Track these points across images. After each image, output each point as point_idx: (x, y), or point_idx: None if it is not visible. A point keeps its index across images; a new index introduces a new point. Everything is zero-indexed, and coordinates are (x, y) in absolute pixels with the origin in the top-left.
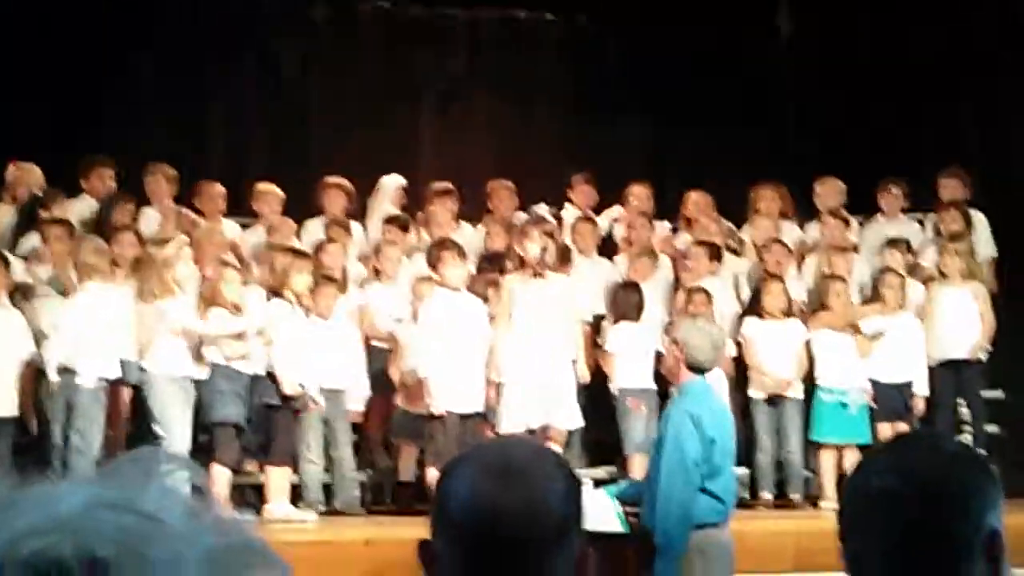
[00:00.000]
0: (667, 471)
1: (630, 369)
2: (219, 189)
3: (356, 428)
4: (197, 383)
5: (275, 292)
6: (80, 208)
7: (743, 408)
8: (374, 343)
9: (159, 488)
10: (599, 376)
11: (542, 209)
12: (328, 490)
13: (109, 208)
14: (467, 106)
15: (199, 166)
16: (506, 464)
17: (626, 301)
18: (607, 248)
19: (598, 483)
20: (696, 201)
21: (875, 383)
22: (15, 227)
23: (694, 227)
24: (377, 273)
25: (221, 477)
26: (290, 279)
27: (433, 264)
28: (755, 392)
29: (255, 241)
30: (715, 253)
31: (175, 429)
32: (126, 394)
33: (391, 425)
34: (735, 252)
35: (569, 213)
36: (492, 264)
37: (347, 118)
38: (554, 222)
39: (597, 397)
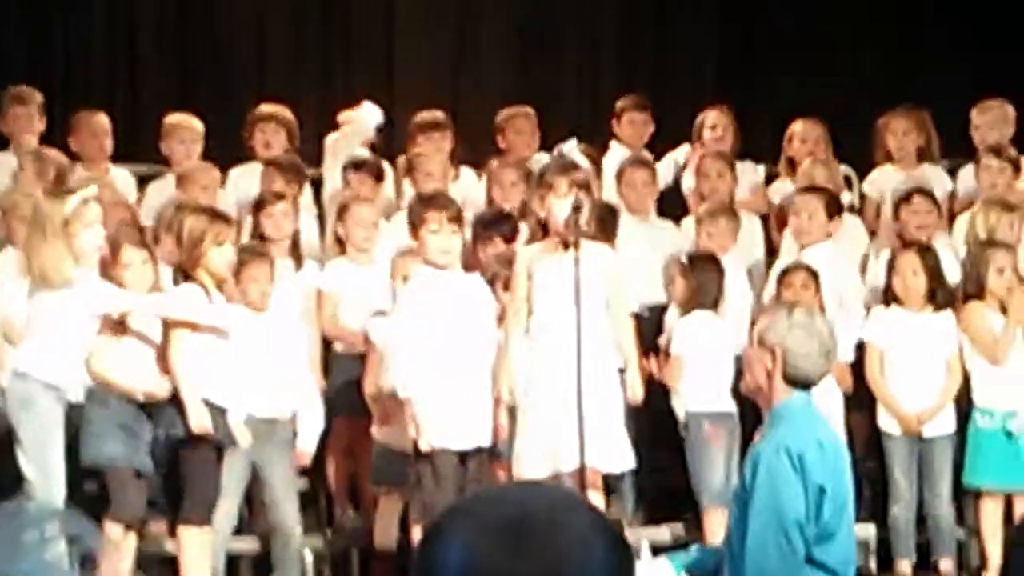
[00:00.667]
0: (757, 535)
1: (705, 382)
2: (103, 122)
3: (308, 473)
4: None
5: (184, 273)
6: None
7: (871, 441)
8: (337, 348)
9: (34, 559)
10: (657, 393)
11: (572, 148)
12: (263, 566)
13: None
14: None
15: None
16: (520, 522)
17: (699, 282)
18: (670, 205)
19: (657, 550)
20: (803, 134)
21: None
22: None
23: (798, 172)
24: (341, 245)
25: (120, 542)
26: (204, 254)
27: (416, 228)
28: (887, 422)
29: (158, 199)
30: (834, 206)
31: (54, 469)
32: None
33: (364, 467)
34: (858, 212)
35: (614, 154)
36: (497, 229)
37: (286, 21)
38: (590, 168)
39: (656, 424)
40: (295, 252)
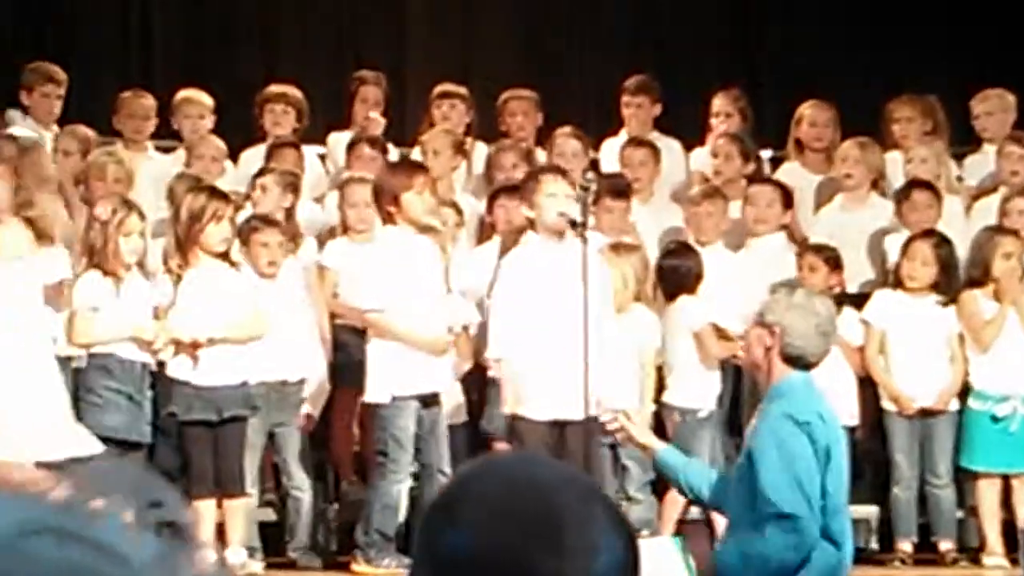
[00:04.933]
0: (773, 488)
1: (685, 375)
2: (145, 104)
3: (315, 446)
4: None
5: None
6: None
7: (872, 422)
8: (338, 323)
9: (113, 524)
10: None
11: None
12: (273, 533)
13: None
14: None
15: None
16: (547, 513)
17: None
18: None
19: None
20: (812, 117)
21: None
22: None
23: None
24: (345, 228)
25: None
26: (202, 231)
27: (532, 196)
28: (889, 403)
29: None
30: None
31: None
32: None
33: (370, 440)
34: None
35: (621, 137)
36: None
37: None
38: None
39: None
40: (292, 228)
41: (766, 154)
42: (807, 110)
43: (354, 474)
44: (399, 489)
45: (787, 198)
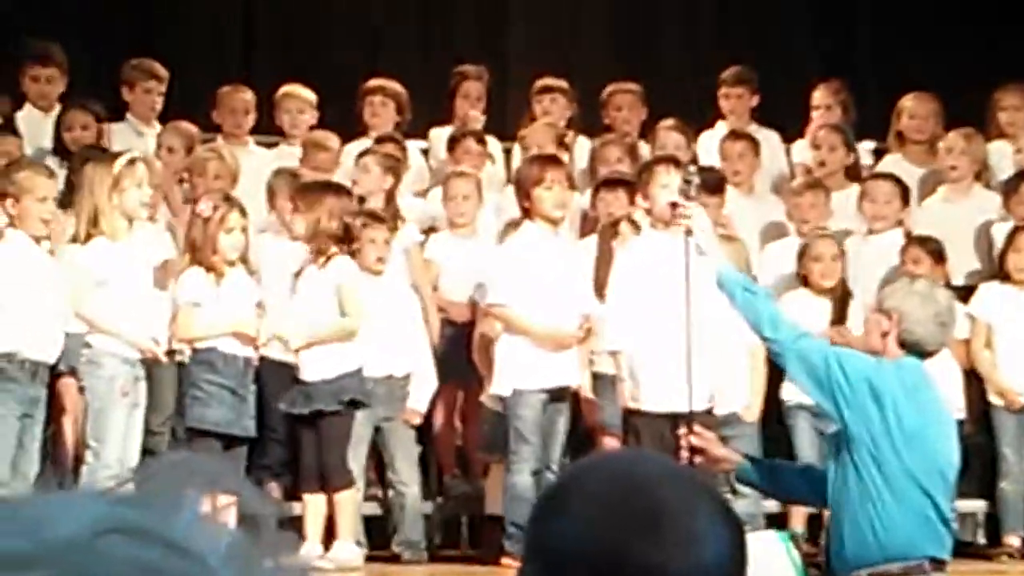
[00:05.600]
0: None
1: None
2: (244, 99)
3: (419, 441)
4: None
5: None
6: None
7: (978, 416)
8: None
9: (191, 516)
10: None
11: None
12: (378, 527)
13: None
14: None
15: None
16: (653, 506)
17: None
18: None
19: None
20: (913, 109)
21: None
22: None
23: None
24: (452, 224)
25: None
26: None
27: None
28: (996, 396)
29: (267, 167)
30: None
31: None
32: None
33: (473, 435)
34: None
35: (719, 129)
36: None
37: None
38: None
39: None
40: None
41: (868, 146)
42: (908, 102)
43: (456, 468)
44: (523, 480)
45: (905, 194)
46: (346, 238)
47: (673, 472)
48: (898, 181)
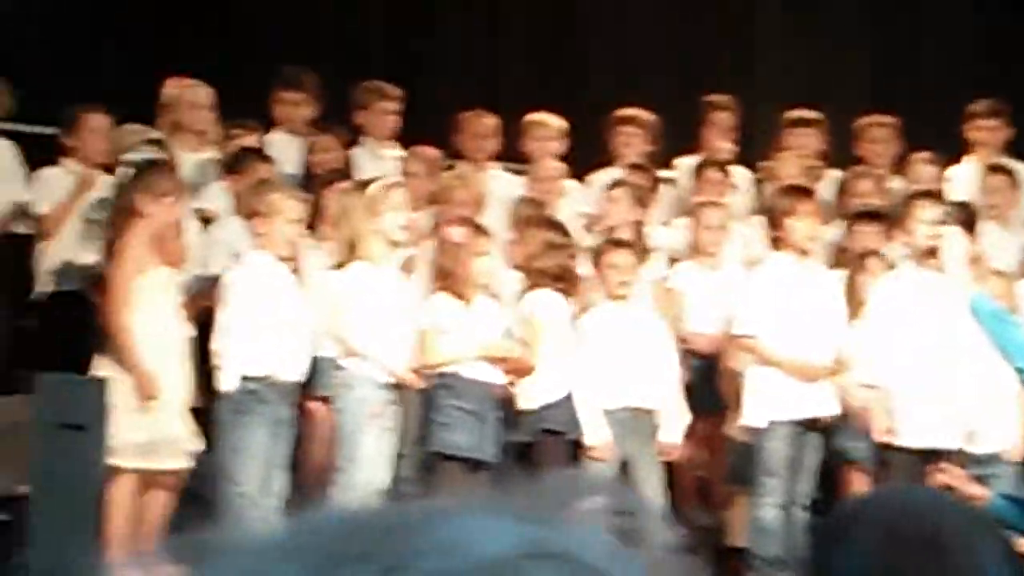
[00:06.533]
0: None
1: None
2: (487, 124)
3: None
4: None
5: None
6: None
7: None
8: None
9: (590, 530)
10: None
11: None
12: None
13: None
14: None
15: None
16: (936, 537)
17: None
18: None
19: None
20: None
21: None
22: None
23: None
24: (699, 254)
25: None
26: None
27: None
28: None
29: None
30: None
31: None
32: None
33: (718, 465)
34: None
35: (969, 162)
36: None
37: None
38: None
39: None
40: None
41: None
42: None
43: (696, 498)
44: (767, 514)
45: None
46: (562, 276)
47: (958, 507)
48: None
